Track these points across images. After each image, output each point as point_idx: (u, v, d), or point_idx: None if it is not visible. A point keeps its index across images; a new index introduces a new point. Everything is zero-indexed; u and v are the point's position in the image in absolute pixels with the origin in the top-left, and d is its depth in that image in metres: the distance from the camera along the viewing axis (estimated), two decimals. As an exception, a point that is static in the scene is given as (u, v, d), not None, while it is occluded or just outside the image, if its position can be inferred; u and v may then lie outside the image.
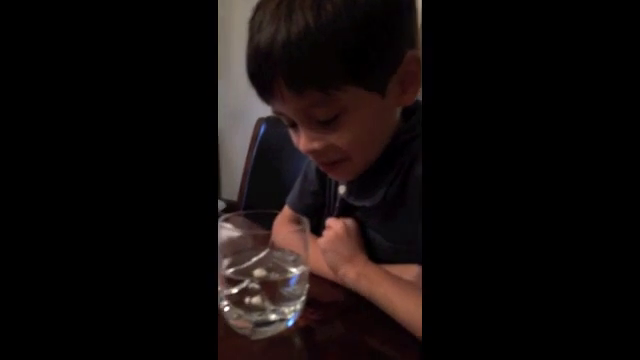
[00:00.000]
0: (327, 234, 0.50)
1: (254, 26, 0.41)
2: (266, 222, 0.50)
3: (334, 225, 0.50)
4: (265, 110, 1.36)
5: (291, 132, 0.47)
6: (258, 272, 0.39)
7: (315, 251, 0.47)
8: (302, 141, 0.44)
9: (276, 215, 0.54)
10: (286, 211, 0.61)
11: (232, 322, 0.38)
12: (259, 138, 1.12)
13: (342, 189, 0.53)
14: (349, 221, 0.51)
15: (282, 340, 0.38)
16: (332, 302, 0.46)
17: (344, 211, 0.53)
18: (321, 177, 0.60)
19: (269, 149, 1.10)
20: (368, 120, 0.43)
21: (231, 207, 0.72)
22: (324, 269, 0.49)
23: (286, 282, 0.39)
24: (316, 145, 0.44)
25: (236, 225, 0.41)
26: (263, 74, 0.40)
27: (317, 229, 0.53)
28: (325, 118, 0.41)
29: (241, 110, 2.07)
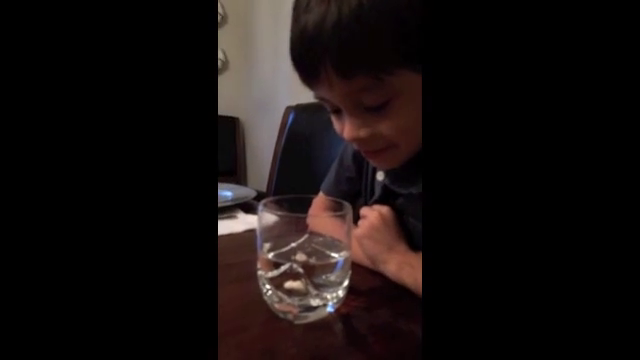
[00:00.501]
0: (362, 224, 0.48)
1: (300, 6, 0.38)
2: (302, 207, 0.49)
3: (369, 214, 0.49)
4: (290, 99, 1.35)
5: (333, 119, 0.45)
6: (299, 256, 0.38)
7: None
8: (347, 129, 0.42)
9: (312, 200, 0.52)
10: (321, 198, 0.60)
11: (276, 306, 0.37)
12: (288, 127, 1.11)
13: (381, 175, 0.52)
14: (384, 209, 0.49)
15: (324, 326, 0.37)
16: (373, 289, 0.45)
17: (386, 198, 0.51)
18: (358, 163, 0.58)
19: (298, 138, 1.09)
20: (419, 106, 0.40)
21: (260, 197, 0.71)
22: (359, 257, 0.48)
23: (330, 267, 0.38)
24: (362, 133, 0.41)
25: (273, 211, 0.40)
26: (309, 58, 0.38)
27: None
28: (374, 104, 0.39)
29: (266, 101, 2.07)
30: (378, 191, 0.52)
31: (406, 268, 0.43)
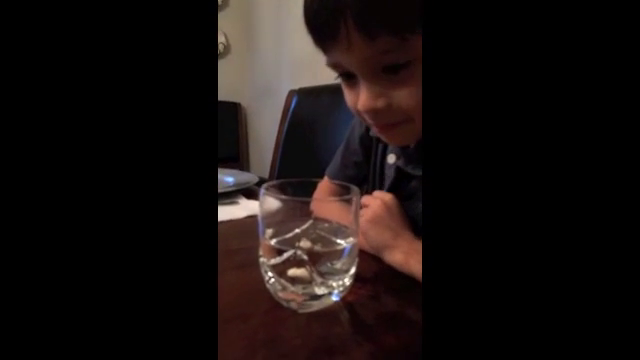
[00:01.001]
0: (366, 213, 0.46)
1: None
2: (306, 192, 0.47)
3: (372, 203, 0.47)
4: (293, 84, 1.32)
5: (345, 89, 0.42)
6: (303, 243, 0.36)
7: None
8: (362, 98, 0.38)
9: (316, 184, 0.50)
10: (326, 182, 0.58)
11: (280, 294, 0.35)
12: (291, 111, 1.09)
13: (392, 158, 0.50)
14: (387, 197, 0.47)
15: (330, 315, 0.35)
16: (380, 277, 0.43)
17: (399, 181, 0.49)
18: (365, 147, 0.56)
19: (301, 122, 1.06)
20: None
21: (262, 183, 0.69)
22: (363, 246, 0.46)
23: (336, 254, 0.36)
24: (379, 103, 0.38)
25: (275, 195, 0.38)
26: (328, 16, 0.34)
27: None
28: (395, 63, 0.35)
29: (268, 86, 2.03)
30: (391, 174, 0.50)
31: (414, 255, 0.42)
